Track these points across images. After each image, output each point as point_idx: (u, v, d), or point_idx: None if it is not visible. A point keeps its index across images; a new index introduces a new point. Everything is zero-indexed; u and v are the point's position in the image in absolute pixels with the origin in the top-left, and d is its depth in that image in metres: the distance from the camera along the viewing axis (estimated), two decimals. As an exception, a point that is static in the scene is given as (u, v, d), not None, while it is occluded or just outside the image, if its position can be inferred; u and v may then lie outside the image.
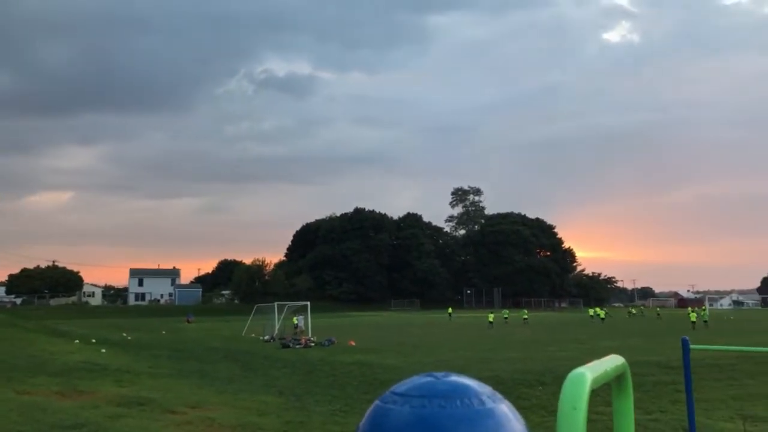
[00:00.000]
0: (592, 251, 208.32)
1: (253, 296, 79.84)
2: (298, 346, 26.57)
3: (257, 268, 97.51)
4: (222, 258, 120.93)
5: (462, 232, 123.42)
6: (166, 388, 12.06)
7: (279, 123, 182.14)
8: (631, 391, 1.35)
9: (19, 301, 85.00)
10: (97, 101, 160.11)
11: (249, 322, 36.88)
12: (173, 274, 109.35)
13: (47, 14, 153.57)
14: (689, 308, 54.88)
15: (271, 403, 11.24)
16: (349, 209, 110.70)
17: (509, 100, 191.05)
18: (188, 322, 54.72)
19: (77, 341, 20.80)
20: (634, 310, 75.89)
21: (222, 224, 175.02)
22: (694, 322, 40.39)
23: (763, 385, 12.99)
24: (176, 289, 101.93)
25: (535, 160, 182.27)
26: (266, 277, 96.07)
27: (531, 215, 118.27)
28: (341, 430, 8.95)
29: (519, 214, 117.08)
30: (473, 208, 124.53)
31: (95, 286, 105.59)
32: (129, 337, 28.13)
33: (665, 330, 36.95)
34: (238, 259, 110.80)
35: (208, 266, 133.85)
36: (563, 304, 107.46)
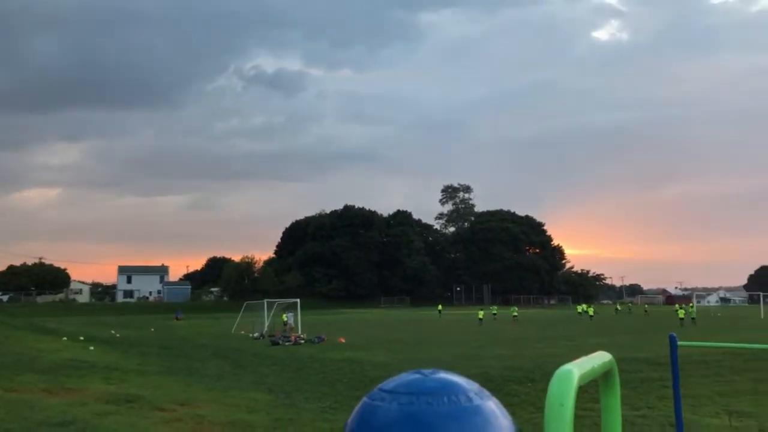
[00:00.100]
0: (581, 248, 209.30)
1: (242, 293, 79.56)
2: (287, 344, 26.57)
3: (246, 266, 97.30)
4: (211, 255, 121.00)
5: (452, 229, 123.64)
6: (155, 386, 12.00)
7: (268, 119, 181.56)
8: (618, 387, 1.36)
9: (5, 298, 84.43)
10: (85, 97, 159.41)
11: (238, 319, 36.83)
12: (162, 271, 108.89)
13: (36, 8, 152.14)
14: (677, 305, 55.39)
15: (261, 401, 11.22)
16: (339, 206, 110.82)
17: (499, 97, 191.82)
18: (177, 319, 54.59)
19: (65, 338, 20.64)
20: (621, 307, 76.47)
21: (211, 221, 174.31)
22: (681, 319, 40.70)
23: (748, 381, 13.10)
24: (165, 287, 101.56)
25: (525, 158, 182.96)
26: (255, 275, 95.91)
27: (520, 212, 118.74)
28: (331, 427, 8.94)
29: (508, 212, 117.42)
30: (463, 206, 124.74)
31: (83, 283, 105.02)
32: (117, 335, 27.95)
33: (653, 327, 37.22)
34: (228, 256, 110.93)
35: (197, 263, 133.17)
36: (552, 301, 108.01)
